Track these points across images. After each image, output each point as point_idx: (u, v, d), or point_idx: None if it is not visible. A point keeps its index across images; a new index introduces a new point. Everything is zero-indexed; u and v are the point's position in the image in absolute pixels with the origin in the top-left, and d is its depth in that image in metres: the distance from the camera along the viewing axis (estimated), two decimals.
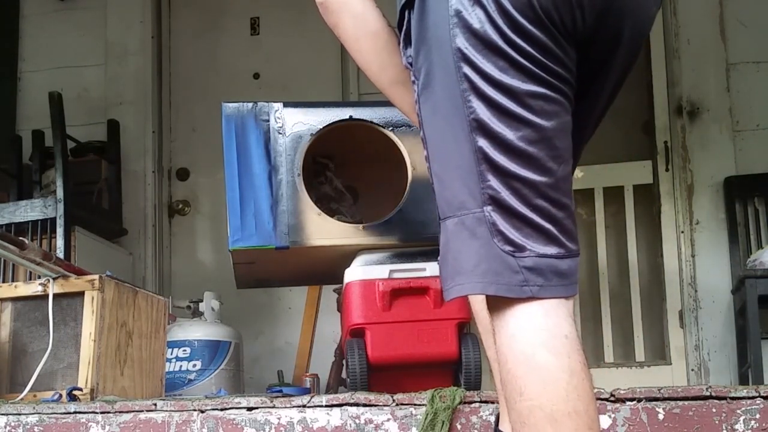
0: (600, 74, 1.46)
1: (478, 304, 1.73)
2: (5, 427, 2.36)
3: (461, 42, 1.33)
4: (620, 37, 1.43)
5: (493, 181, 1.32)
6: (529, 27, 1.32)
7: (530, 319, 1.31)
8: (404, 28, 1.46)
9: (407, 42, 1.45)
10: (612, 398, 2.07)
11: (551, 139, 1.34)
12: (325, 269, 2.96)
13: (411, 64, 1.45)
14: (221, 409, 2.26)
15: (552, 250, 1.33)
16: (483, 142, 1.32)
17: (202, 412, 2.27)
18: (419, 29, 1.41)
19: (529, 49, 1.32)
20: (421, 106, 1.42)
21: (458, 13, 1.34)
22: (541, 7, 1.32)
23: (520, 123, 1.32)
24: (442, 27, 1.35)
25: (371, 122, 2.82)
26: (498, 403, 2.15)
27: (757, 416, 2.02)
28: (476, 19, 1.33)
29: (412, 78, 1.45)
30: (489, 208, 1.32)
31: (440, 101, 1.38)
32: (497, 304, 1.34)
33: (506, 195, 1.32)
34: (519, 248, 1.31)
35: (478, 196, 1.33)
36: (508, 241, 1.31)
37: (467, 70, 1.33)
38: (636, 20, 1.44)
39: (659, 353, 4.31)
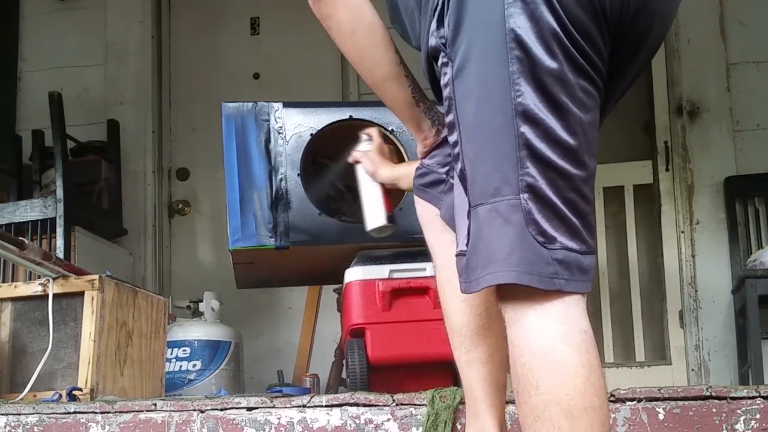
0: (621, 71, 1.45)
1: (453, 304, 1.70)
2: (5, 427, 2.36)
3: (516, 23, 1.30)
4: (648, 34, 1.42)
5: (532, 169, 1.29)
6: (585, 17, 1.31)
7: (550, 313, 1.29)
8: (439, 6, 1.41)
9: (440, 21, 1.40)
10: (612, 398, 2.07)
11: (588, 133, 1.32)
12: (325, 269, 2.96)
13: (444, 45, 1.39)
14: (221, 409, 2.26)
15: (576, 245, 1.32)
16: (526, 128, 1.29)
17: (202, 412, 2.27)
18: (459, 8, 1.36)
19: (580, 39, 1.31)
20: (456, 88, 1.37)
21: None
22: None
23: (565, 113, 1.30)
24: (492, 7, 1.32)
25: (371, 122, 2.82)
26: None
27: (757, 416, 2.01)
28: (537, 3, 1.30)
29: (444, 60, 1.39)
30: (525, 195, 1.29)
31: (480, 83, 1.34)
32: (515, 295, 1.31)
33: (543, 184, 1.29)
34: (550, 240, 1.29)
35: (515, 182, 1.29)
36: (542, 232, 1.29)
37: (519, 52, 1.30)
38: (664, 19, 1.44)
39: (659, 353, 4.31)
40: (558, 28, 1.29)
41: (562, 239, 1.30)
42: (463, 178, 1.38)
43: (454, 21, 1.36)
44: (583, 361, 1.28)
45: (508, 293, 1.32)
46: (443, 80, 1.41)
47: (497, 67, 1.31)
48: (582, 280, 1.32)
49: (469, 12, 1.35)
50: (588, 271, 1.34)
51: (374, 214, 1.95)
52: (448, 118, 1.42)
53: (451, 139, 1.42)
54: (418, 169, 1.77)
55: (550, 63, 1.29)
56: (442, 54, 1.40)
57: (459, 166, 1.39)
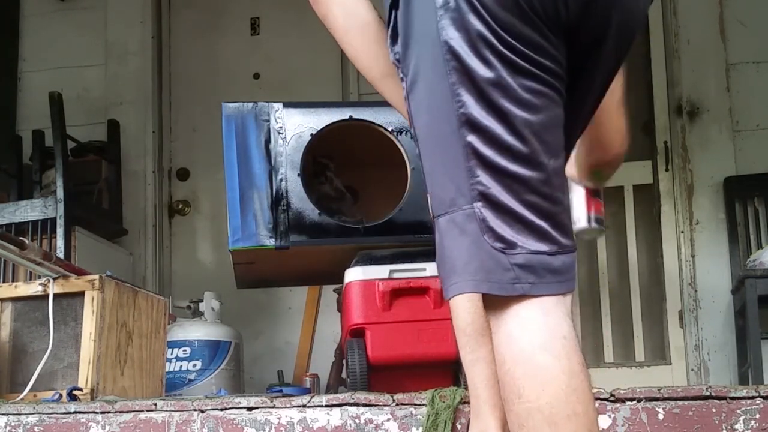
0: (588, 67, 1.44)
1: (459, 303, 1.72)
2: (5, 427, 2.36)
3: (448, 35, 1.31)
4: (608, 27, 1.40)
5: (483, 177, 1.30)
6: (513, 19, 1.30)
7: (529, 319, 1.29)
8: (391, 24, 1.44)
9: (394, 39, 1.43)
10: (612, 398, 2.07)
11: (541, 133, 1.31)
12: (325, 269, 2.96)
13: (398, 61, 1.42)
14: (221, 409, 2.26)
15: (544, 246, 1.30)
16: (472, 137, 1.30)
17: (203, 412, 2.27)
18: (405, 25, 1.39)
19: (514, 41, 1.30)
20: (410, 103, 1.40)
21: (445, 5, 1.31)
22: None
23: (508, 117, 1.30)
24: (429, 21, 1.33)
25: (371, 122, 2.82)
26: None
27: (757, 416, 2.02)
28: (462, 11, 1.30)
29: (400, 75, 1.42)
30: (479, 204, 1.30)
31: (428, 96, 1.35)
32: (494, 303, 1.32)
33: (496, 191, 1.29)
34: (510, 245, 1.29)
35: (468, 192, 1.30)
36: (499, 238, 1.29)
37: (455, 63, 1.31)
38: (624, 10, 1.42)
39: (659, 353, 4.31)
40: (488, 33, 1.30)
41: (526, 243, 1.29)
42: (426, 191, 1.41)
43: (402, 37, 1.39)
44: (564, 368, 1.26)
45: (488, 302, 1.33)
46: (403, 94, 1.43)
47: (439, 79, 1.32)
48: (556, 281, 1.31)
49: (413, 28, 1.37)
50: (561, 271, 1.32)
51: (578, 216, 1.94)
52: (411, 131, 1.44)
53: (417, 152, 1.44)
54: None
55: (484, 70, 1.30)
56: (398, 70, 1.43)
57: (423, 178, 1.41)
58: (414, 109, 1.40)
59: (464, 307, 1.72)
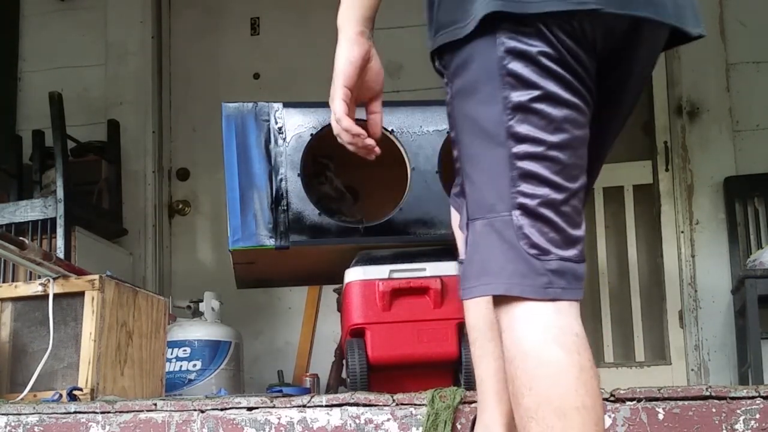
0: (616, 94, 1.53)
1: (473, 300, 1.74)
2: (5, 427, 2.36)
3: (507, 49, 1.38)
4: (634, 63, 1.50)
5: (524, 187, 1.37)
6: (571, 42, 1.38)
7: (541, 317, 1.35)
8: (434, 24, 1.48)
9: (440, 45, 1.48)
10: (612, 398, 2.07)
11: (578, 149, 1.41)
12: (325, 269, 2.96)
13: (444, 67, 1.48)
14: (221, 409, 2.26)
15: (571, 253, 1.38)
16: (517, 149, 1.37)
17: (203, 412, 2.27)
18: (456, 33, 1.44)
19: (571, 61, 1.38)
20: (456, 108, 1.46)
21: (507, 27, 1.38)
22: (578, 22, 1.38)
23: (555, 131, 1.38)
24: (488, 41, 1.40)
25: None
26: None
27: (757, 416, 2.02)
28: (525, 30, 1.38)
29: (445, 80, 1.49)
30: (517, 212, 1.37)
31: (477, 105, 1.42)
32: (507, 302, 1.37)
33: (536, 201, 1.37)
34: (544, 252, 1.36)
35: (508, 200, 1.38)
36: (534, 245, 1.36)
37: (509, 78, 1.38)
38: (650, 46, 1.51)
39: (659, 353, 4.31)
40: (549, 50, 1.37)
41: (557, 250, 1.37)
42: (462, 192, 1.48)
43: (451, 45, 1.44)
44: (575, 362, 1.32)
45: (502, 301, 1.38)
46: (446, 96, 1.50)
47: (491, 90, 1.39)
48: (577, 288, 1.39)
49: (466, 38, 1.42)
50: (582, 278, 1.40)
51: None
52: (451, 134, 1.51)
53: (454, 154, 1.51)
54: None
55: (538, 86, 1.37)
56: (443, 75, 1.50)
57: (459, 180, 1.49)
58: (458, 115, 1.46)
59: (474, 303, 1.75)
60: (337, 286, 3.16)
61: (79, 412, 2.34)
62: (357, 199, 3.18)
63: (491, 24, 1.38)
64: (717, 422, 2.03)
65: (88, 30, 4.80)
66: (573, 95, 1.39)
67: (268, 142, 2.78)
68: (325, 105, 2.86)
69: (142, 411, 2.31)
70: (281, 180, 2.74)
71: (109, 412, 2.32)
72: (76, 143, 4.31)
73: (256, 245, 2.71)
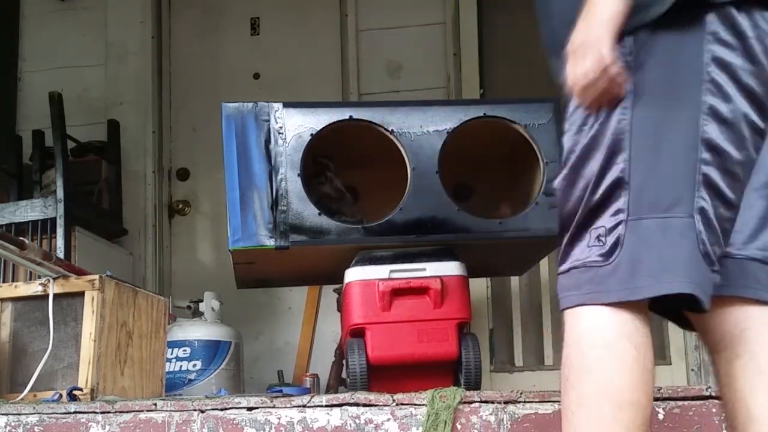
0: None
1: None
2: (5, 427, 2.36)
3: (714, 57, 1.39)
4: None
5: (704, 194, 1.38)
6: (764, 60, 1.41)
7: (618, 312, 1.37)
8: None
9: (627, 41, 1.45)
10: None
11: (750, 170, 1.44)
12: (325, 269, 2.96)
13: (630, 53, 1.44)
14: (221, 409, 2.26)
15: (717, 267, 1.41)
16: (707, 156, 1.38)
17: (203, 412, 2.27)
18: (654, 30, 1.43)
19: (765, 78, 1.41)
20: (636, 106, 1.42)
21: (715, 34, 1.39)
22: None
23: (742, 149, 1.40)
24: (693, 41, 1.40)
25: (371, 122, 2.82)
26: (496, 403, 2.15)
27: None
28: (732, 42, 1.39)
29: (624, 63, 1.42)
30: (698, 217, 1.38)
31: (668, 107, 1.41)
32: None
33: (711, 211, 1.39)
34: (712, 263, 1.40)
35: (690, 203, 1.38)
36: (706, 254, 1.38)
37: (712, 86, 1.39)
38: None
39: (659, 353, 4.31)
40: (751, 67, 1.40)
41: (717, 264, 1.41)
42: (617, 185, 1.41)
43: (644, 42, 1.43)
44: (639, 359, 1.35)
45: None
46: (625, 94, 1.43)
47: (690, 94, 1.40)
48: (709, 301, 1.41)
49: (668, 38, 1.42)
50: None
51: None
52: (616, 134, 1.43)
53: (623, 156, 1.43)
54: None
55: (739, 102, 1.39)
56: (623, 55, 1.43)
57: (616, 174, 1.41)
58: (638, 113, 1.42)
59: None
60: (337, 286, 3.16)
61: (79, 412, 2.34)
62: (357, 199, 3.18)
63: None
64: (717, 422, 2.03)
65: (88, 30, 4.80)
66: (762, 116, 1.42)
67: (268, 142, 2.77)
68: (325, 105, 2.88)
69: (142, 411, 2.31)
70: (281, 180, 2.74)
71: (109, 412, 2.32)
72: (76, 143, 4.31)
73: (256, 245, 2.71)
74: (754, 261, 1.51)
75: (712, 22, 1.40)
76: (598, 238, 1.40)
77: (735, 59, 1.39)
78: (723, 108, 1.39)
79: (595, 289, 1.39)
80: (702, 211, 1.38)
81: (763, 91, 1.41)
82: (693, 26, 1.40)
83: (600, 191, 1.42)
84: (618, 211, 1.40)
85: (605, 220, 1.41)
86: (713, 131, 1.38)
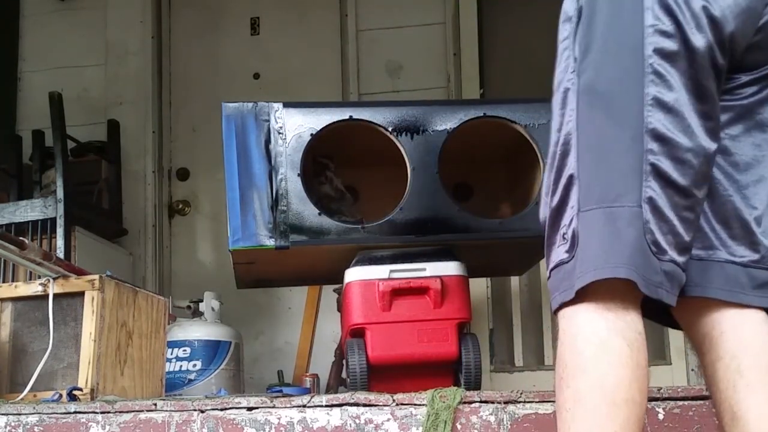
0: None
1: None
2: (5, 427, 2.36)
3: (653, 48, 1.39)
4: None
5: (653, 183, 1.38)
6: (717, 49, 1.40)
7: (610, 309, 1.37)
8: (574, 17, 1.47)
9: (574, 32, 1.47)
10: None
11: (709, 160, 1.42)
12: (325, 269, 2.96)
13: (574, 42, 1.46)
14: (221, 409, 2.26)
15: (682, 259, 1.40)
16: (654, 146, 1.38)
17: (202, 412, 2.27)
18: (601, 21, 1.44)
19: (720, 63, 1.40)
20: (581, 97, 1.44)
21: (654, 26, 1.39)
22: (725, 27, 1.40)
23: (692, 137, 1.39)
24: (633, 32, 1.40)
25: (371, 122, 2.82)
26: (496, 403, 2.15)
27: None
28: (669, 30, 1.39)
29: (572, 70, 1.45)
30: (646, 207, 1.38)
31: (610, 96, 1.41)
32: (585, 291, 1.38)
33: (662, 200, 1.38)
34: (662, 251, 1.38)
35: (638, 193, 1.38)
36: (655, 243, 1.37)
37: (654, 77, 1.39)
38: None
39: (659, 353, 4.31)
40: (696, 57, 1.39)
41: (672, 253, 1.39)
42: (570, 183, 1.43)
43: (584, 36, 1.44)
44: (634, 357, 1.34)
45: (603, 285, 1.39)
46: (566, 84, 1.46)
47: (630, 85, 1.40)
48: (676, 295, 1.40)
49: (608, 30, 1.43)
50: (681, 286, 1.42)
51: None
52: (562, 125, 1.46)
53: (556, 139, 1.47)
54: None
55: (684, 89, 1.39)
56: (571, 63, 1.46)
57: (569, 173, 1.44)
58: (582, 104, 1.44)
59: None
60: (337, 286, 3.16)
61: (79, 412, 2.34)
62: (357, 199, 3.18)
63: None
64: (717, 422, 2.03)
65: (88, 30, 4.80)
66: (712, 105, 1.41)
67: (268, 142, 2.77)
68: (325, 105, 2.88)
69: (142, 411, 2.31)
70: (281, 180, 2.74)
71: (109, 412, 2.32)
72: (76, 143, 4.31)
73: (256, 245, 2.71)
74: (732, 264, 1.51)
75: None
76: (563, 236, 1.44)
77: (672, 45, 1.39)
78: (667, 96, 1.39)
79: (567, 287, 1.41)
80: (650, 201, 1.37)
81: (700, 75, 1.40)
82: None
83: (558, 192, 1.45)
84: (572, 207, 1.43)
85: (566, 219, 1.44)
86: (658, 121, 1.39)
